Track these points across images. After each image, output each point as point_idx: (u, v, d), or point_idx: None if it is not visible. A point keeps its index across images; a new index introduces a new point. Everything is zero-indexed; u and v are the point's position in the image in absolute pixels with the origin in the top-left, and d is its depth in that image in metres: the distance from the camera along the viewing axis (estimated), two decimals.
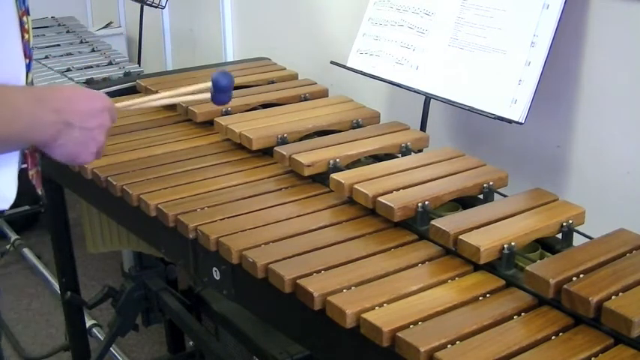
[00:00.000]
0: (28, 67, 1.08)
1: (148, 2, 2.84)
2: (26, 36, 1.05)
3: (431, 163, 1.48)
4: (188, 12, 2.95)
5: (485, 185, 1.40)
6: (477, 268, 1.18)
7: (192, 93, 1.33)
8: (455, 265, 1.19)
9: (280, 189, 1.48)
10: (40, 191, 1.22)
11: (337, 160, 1.50)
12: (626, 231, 1.20)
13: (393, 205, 1.29)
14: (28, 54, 1.07)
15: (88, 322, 2.51)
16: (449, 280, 1.15)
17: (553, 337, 1.02)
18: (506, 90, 1.49)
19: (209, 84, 1.31)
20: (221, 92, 1.30)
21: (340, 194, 1.40)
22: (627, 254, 1.14)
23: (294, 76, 2.11)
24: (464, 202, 1.39)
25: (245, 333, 1.90)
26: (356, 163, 1.55)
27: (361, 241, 1.28)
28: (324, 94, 1.97)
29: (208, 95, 1.32)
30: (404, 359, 1.00)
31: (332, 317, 1.08)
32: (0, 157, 1.03)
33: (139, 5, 2.94)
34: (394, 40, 1.73)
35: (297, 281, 1.14)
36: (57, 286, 2.48)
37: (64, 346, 2.48)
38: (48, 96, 1.02)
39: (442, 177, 1.42)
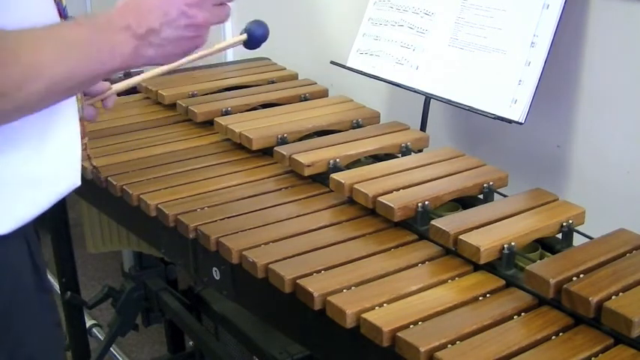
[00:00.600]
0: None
1: None
2: None
3: (431, 163, 1.48)
4: None
5: (485, 185, 1.40)
6: (477, 268, 1.18)
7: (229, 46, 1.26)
8: (455, 265, 1.19)
9: (280, 189, 1.48)
10: (91, 163, 1.16)
11: (337, 160, 1.50)
12: (626, 231, 1.20)
13: (393, 205, 1.29)
14: (63, 14, 1.00)
15: (88, 322, 2.51)
16: (449, 280, 1.15)
17: (553, 337, 1.02)
18: (506, 90, 1.49)
19: (244, 36, 1.26)
20: (256, 42, 1.27)
21: (340, 194, 1.40)
22: (627, 254, 1.14)
23: (294, 76, 2.11)
24: (464, 202, 1.39)
25: (245, 333, 1.90)
26: (356, 163, 1.55)
27: (361, 241, 1.28)
28: (324, 94, 1.97)
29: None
30: (404, 359, 1.00)
31: (332, 317, 1.08)
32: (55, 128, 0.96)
33: None
34: (394, 40, 1.73)
35: (297, 281, 1.14)
36: (57, 286, 2.47)
37: (64, 346, 2.48)
38: (111, 17, 0.92)
39: (442, 177, 1.42)
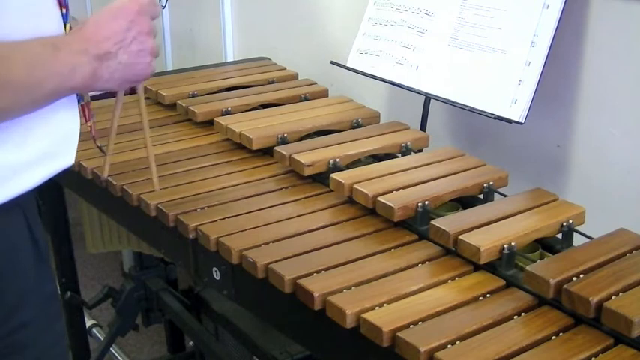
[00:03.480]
0: (65, 18, 1.04)
1: None
2: None
3: (431, 163, 1.48)
4: (188, 12, 2.95)
5: (485, 185, 1.40)
6: (477, 268, 1.18)
7: None
8: (455, 265, 1.19)
9: (280, 189, 1.48)
10: (99, 143, 1.20)
11: (337, 160, 1.50)
12: (626, 231, 1.20)
13: (393, 205, 1.29)
14: (64, 3, 1.03)
15: (88, 322, 2.51)
16: (449, 280, 1.15)
17: (553, 337, 1.02)
18: (506, 90, 1.49)
19: None
20: None
21: (340, 194, 1.40)
22: (627, 254, 1.14)
23: (294, 76, 2.11)
24: (464, 202, 1.39)
25: (245, 333, 1.90)
26: (356, 163, 1.55)
27: (361, 241, 1.28)
28: (324, 94, 1.97)
29: None
30: (404, 359, 1.00)
31: (332, 317, 1.08)
32: (48, 111, 0.99)
33: None
34: (394, 40, 1.73)
35: (297, 281, 1.14)
36: (57, 286, 2.47)
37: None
38: (69, 41, 0.98)
39: (442, 177, 1.42)
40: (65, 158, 1.04)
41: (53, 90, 0.95)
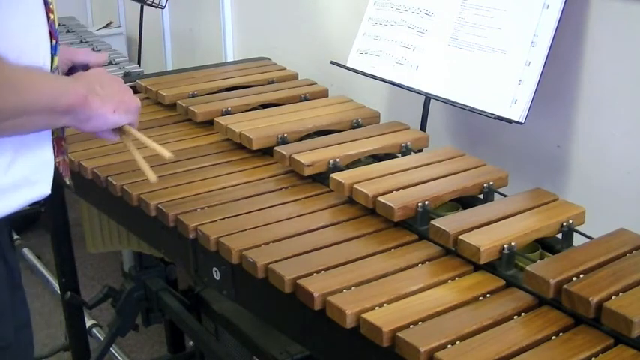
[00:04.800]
0: (55, 50, 1.07)
1: (148, 2, 2.84)
2: (52, 16, 1.05)
3: (431, 163, 1.48)
4: (188, 12, 2.95)
5: (485, 185, 1.40)
6: (477, 268, 1.18)
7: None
8: (455, 265, 1.19)
9: (280, 189, 1.48)
10: (68, 181, 1.21)
11: (337, 160, 1.50)
12: (626, 231, 1.20)
13: (393, 205, 1.29)
14: (54, 35, 1.06)
15: (88, 322, 2.51)
16: (449, 280, 1.15)
17: (553, 337, 1.02)
18: (506, 90, 1.49)
19: None
20: None
21: (340, 194, 1.39)
22: (627, 254, 1.14)
23: (294, 76, 2.11)
24: (464, 202, 1.39)
25: (245, 333, 1.90)
26: (356, 163, 1.55)
27: (361, 241, 1.28)
28: (324, 94, 1.97)
29: None
30: (404, 359, 1.00)
31: (332, 317, 1.08)
32: (31, 141, 1.04)
33: (139, 5, 2.94)
34: (394, 40, 1.73)
35: (297, 281, 1.14)
36: (57, 286, 2.48)
37: (64, 346, 2.49)
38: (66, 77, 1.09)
39: (442, 177, 1.42)
40: (42, 187, 1.08)
41: (47, 104, 0.99)
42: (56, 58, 1.08)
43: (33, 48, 1.02)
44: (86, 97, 1.05)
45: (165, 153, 1.20)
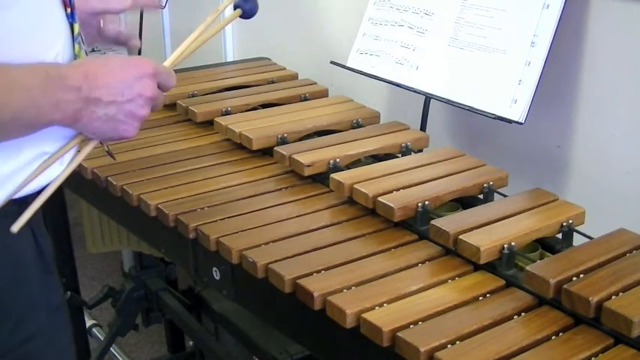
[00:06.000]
0: (72, 18, 0.98)
1: None
2: None
3: (431, 163, 1.48)
4: (188, 12, 2.95)
5: (485, 185, 1.40)
6: (477, 268, 1.18)
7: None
8: (455, 265, 1.19)
9: (280, 189, 1.48)
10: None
11: (337, 160, 1.50)
12: (626, 231, 1.20)
13: (393, 205, 1.29)
14: (69, 3, 0.98)
15: (88, 322, 2.52)
16: (449, 280, 1.15)
17: (553, 337, 1.02)
18: (506, 90, 1.49)
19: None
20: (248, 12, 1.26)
21: (340, 194, 1.40)
22: (627, 254, 1.14)
23: (294, 76, 2.11)
24: (464, 202, 1.39)
25: (245, 333, 1.90)
26: (356, 163, 1.55)
27: (361, 241, 1.28)
28: (324, 94, 1.97)
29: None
30: (404, 359, 1.00)
31: (332, 317, 1.08)
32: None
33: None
34: (394, 40, 1.73)
35: (297, 281, 1.14)
36: None
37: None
38: (65, 72, 0.92)
39: (442, 177, 1.42)
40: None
41: (30, 122, 0.90)
42: (76, 26, 0.99)
43: (43, 18, 0.93)
44: (77, 112, 0.92)
45: None
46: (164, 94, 1.05)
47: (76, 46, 1.01)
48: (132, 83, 0.96)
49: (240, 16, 1.27)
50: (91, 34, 1.23)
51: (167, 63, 1.12)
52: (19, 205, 0.96)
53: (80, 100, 0.92)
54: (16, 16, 0.91)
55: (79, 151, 1.04)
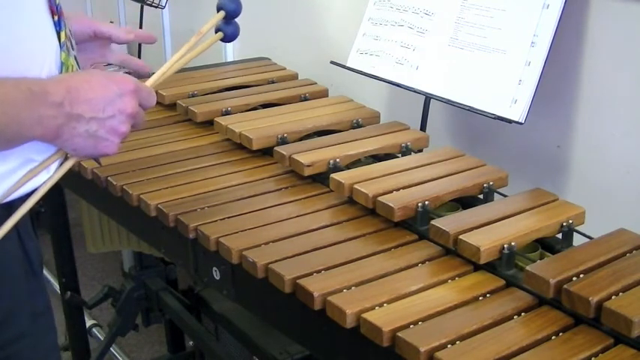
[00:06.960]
0: (59, 25, 0.98)
1: (148, 2, 2.83)
2: None
3: (431, 163, 1.48)
4: (188, 12, 2.95)
5: (485, 185, 1.40)
6: (477, 268, 1.18)
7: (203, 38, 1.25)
8: (455, 265, 1.19)
9: (280, 189, 1.48)
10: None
11: (337, 160, 1.50)
12: (626, 231, 1.20)
13: (393, 205, 1.29)
14: (56, 10, 0.98)
15: (88, 322, 2.52)
16: (449, 280, 1.15)
17: (553, 337, 1.02)
18: (506, 90, 1.49)
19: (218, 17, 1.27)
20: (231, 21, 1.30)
21: (340, 194, 1.39)
22: (627, 254, 1.14)
23: (294, 76, 2.11)
24: (464, 202, 1.39)
25: (245, 333, 1.90)
26: (356, 163, 1.55)
27: (361, 241, 1.28)
28: (324, 94, 1.97)
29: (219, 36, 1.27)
30: (404, 359, 1.00)
31: (332, 317, 1.08)
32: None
33: (139, 5, 2.94)
34: (394, 40, 1.73)
35: (297, 281, 1.14)
36: (57, 286, 2.47)
37: (64, 346, 2.49)
38: (48, 88, 0.92)
39: (442, 177, 1.42)
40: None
41: (11, 138, 0.90)
42: (62, 33, 0.99)
43: (28, 24, 0.93)
44: (58, 127, 0.92)
45: None
46: (144, 112, 1.05)
47: (63, 53, 1.01)
48: (113, 99, 0.97)
49: (221, 40, 1.29)
50: (92, 60, 1.24)
51: (149, 82, 1.12)
52: (4, 209, 0.96)
53: (62, 115, 0.92)
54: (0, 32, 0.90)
55: (61, 164, 1.03)
